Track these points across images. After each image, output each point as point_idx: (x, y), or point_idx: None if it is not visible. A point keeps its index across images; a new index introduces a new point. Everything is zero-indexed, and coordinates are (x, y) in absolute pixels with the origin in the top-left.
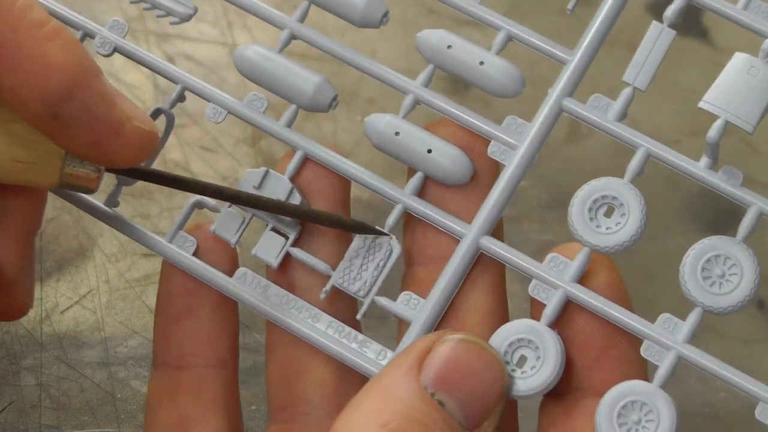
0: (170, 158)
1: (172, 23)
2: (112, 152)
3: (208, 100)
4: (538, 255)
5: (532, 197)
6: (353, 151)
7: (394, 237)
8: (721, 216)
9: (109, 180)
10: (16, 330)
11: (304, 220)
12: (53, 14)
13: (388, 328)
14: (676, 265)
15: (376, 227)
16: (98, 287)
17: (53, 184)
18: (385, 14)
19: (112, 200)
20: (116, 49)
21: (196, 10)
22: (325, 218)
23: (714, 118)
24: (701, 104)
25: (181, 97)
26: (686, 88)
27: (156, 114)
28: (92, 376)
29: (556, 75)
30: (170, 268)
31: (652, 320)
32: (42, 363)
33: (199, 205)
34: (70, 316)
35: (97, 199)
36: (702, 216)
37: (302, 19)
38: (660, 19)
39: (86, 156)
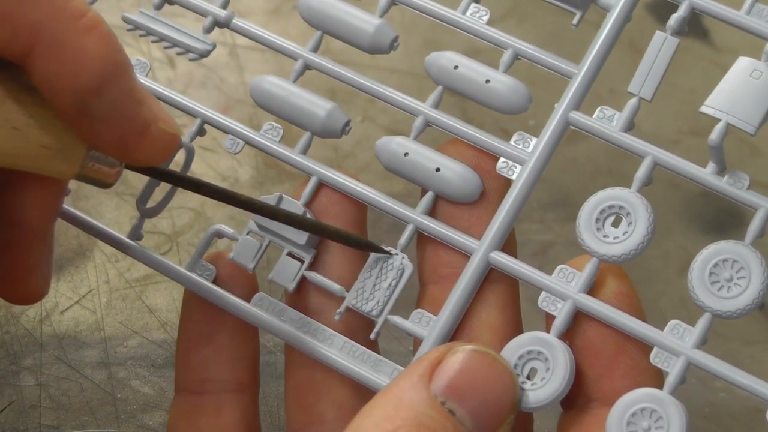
0: None
1: (191, 59)
2: (135, 151)
3: (227, 133)
4: (539, 255)
5: (532, 198)
6: (353, 151)
7: (406, 256)
8: (721, 216)
9: (130, 212)
10: (16, 330)
11: (311, 232)
12: None
13: (405, 346)
14: (676, 265)
15: (383, 247)
16: (98, 287)
17: (73, 175)
18: (395, 39)
19: (135, 233)
20: None
21: (214, 46)
22: (332, 232)
23: (715, 120)
24: (703, 109)
25: (201, 131)
26: (686, 88)
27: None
28: (92, 376)
29: (556, 76)
30: (191, 296)
31: (654, 321)
32: (42, 363)
33: (218, 235)
34: (69, 316)
35: (120, 232)
36: (702, 216)
37: (315, 49)
38: (660, 19)
39: (109, 151)
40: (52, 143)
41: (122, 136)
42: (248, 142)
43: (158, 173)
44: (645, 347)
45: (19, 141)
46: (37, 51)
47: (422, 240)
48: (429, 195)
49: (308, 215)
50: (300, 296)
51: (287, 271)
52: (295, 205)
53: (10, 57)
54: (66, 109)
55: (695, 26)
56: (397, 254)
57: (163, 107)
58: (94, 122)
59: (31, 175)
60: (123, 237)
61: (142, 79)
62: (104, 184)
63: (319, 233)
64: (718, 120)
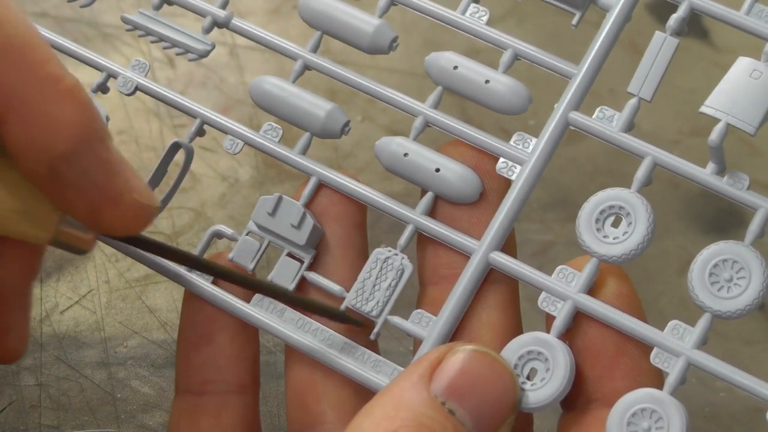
0: None
1: (190, 60)
2: (106, 221)
3: (226, 133)
4: (539, 255)
5: (532, 197)
6: (353, 151)
7: (405, 257)
8: (721, 216)
9: None
10: None
11: (290, 305)
12: (78, 57)
13: (405, 346)
14: (676, 265)
15: (358, 320)
16: (98, 287)
17: (47, 240)
18: (395, 40)
19: None
20: (138, 88)
21: (214, 46)
22: (310, 304)
23: (715, 120)
24: (703, 109)
25: (200, 132)
26: (686, 88)
27: (174, 148)
28: (92, 376)
29: (556, 76)
30: (190, 297)
31: (654, 321)
32: (42, 363)
33: (217, 235)
34: (70, 316)
35: None
36: (702, 216)
37: (315, 49)
38: (659, 19)
39: (81, 219)
40: (23, 208)
41: (92, 206)
42: (248, 143)
43: (133, 241)
44: (645, 348)
45: None
46: (9, 115)
47: (422, 240)
48: (429, 195)
49: (308, 216)
50: None
51: (287, 272)
52: (294, 206)
53: None
54: (36, 175)
55: (695, 26)
56: (398, 264)
57: (140, 178)
58: (65, 189)
59: (7, 237)
60: None
61: (141, 80)
62: (80, 250)
63: (301, 306)
64: (717, 120)
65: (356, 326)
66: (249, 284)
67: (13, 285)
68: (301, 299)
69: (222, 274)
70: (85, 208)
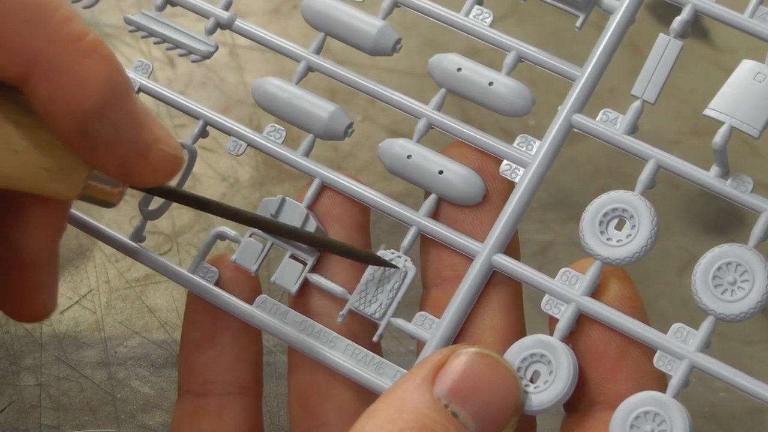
0: None
1: (193, 61)
2: (136, 173)
3: (229, 134)
4: (539, 255)
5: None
6: (353, 151)
7: (409, 259)
8: (721, 216)
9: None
10: (16, 330)
11: (315, 246)
12: None
13: (406, 346)
14: (676, 265)
15: (388, 260)
16: (98, 287)
17: (75, 196)
18: (398, 42)
19: (138, 235)
20: (140, 89)
21: (217, 47)
22: (337, 247)
23: (716, 120)
24: (706, 112)
25: (203, 133)
26: (686, 88)
27: None
28: (92, 376)
29: (557, 76)
30: (193, 298)
31: (654, 321)
32: (42, 363)
33: (220, 237)
34: (69, 316)
35: (122, 234)
36: (702, 216)
37: (318, 51)
38: (660, 19)
39: (111, 174)
40: (53, 165)
41: (123, 159)
42: (251, 144)
43: (162, 192)
44: (648, 350)
45: (20, 164)
46: (35, 76)
47: (425, 242)
48: (432, 197)
49: (311, 218)
50: (302, 299)
51: (290, 274)
52: (297, 208)
53: (7, 82)
54: (66, 133)
55: (695, 26)
56: (401, 266)
57: (165, 128)
58: (95, 145)
59: (34, 195)
60: (125, 239)
61: (144, 81)
62: (108, 203)
63: (324, 248)
64: (719, 120)
65: (388, 266)
66: (287, 232)
67: (40, 244)
68: (327, 240)
69: (249, 221)
70: (115, 162)
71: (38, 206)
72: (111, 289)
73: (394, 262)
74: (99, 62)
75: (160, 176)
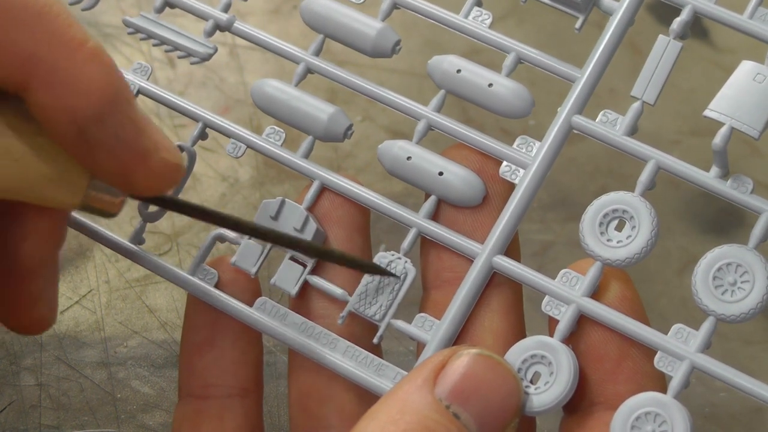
0: None
1: (192, 63)
2: (136, 181)
3: (229, 137)
4: (539, 255)
5: None
6: (353, 151)
7: (409, 260)
8: (721, 216)
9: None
10: None
11: (316, 257)
12: None
13: (405, 346)
14: (676, 265)
15: (387, 270)
16: (98, 287)
17: (76, 205)
18: (397, 43)
19: (137, 237)
20: (140, 91)
21: (216, 49)
22: (337, 257)
23: (715, 122)
24: (706, 113)
25: (202, 135)
26: (686, 88)
27: None
28: (92, 376)
29: (557, 77)
30: (193, 300)
31: (654, 321)
32: (42, 363)
33: (220, 239)
34: (70, 316)
35: (122, 237)
36: (702, 216)
37: (317, 53)
38: (659, 19)
39: (110, 181)
40: (54, 174)
41: (123, 166)
42: (250, 146)
43: (162, 202)
44: (648, 351)
45: (21, 172)
46: (35, 82)
47: (425, 244)
48: (432, 199)
49: (311, 220)
50: (302, 301)
51: (290, 276)
52: (297, 210)
53: (7, 89)
54: (66, 138)
55: (695, 26)
56: (401, 268)
57: (166, 136)
58: (94, 152)
59: (34, 206)
60: (125, 241)
61: (143, 83)
62: (108, 214)
63: (325, 258)
64: (718, 121)
65: (388, 276)
66: (287, 242)
67: (39, 254)
68: (327, 251)
69: (246, 230)
70: (116, 169)
71: (38, 217)
72: (111, 289)
73: (394, 264)
74: (99, 69)
75: (161, 184)
